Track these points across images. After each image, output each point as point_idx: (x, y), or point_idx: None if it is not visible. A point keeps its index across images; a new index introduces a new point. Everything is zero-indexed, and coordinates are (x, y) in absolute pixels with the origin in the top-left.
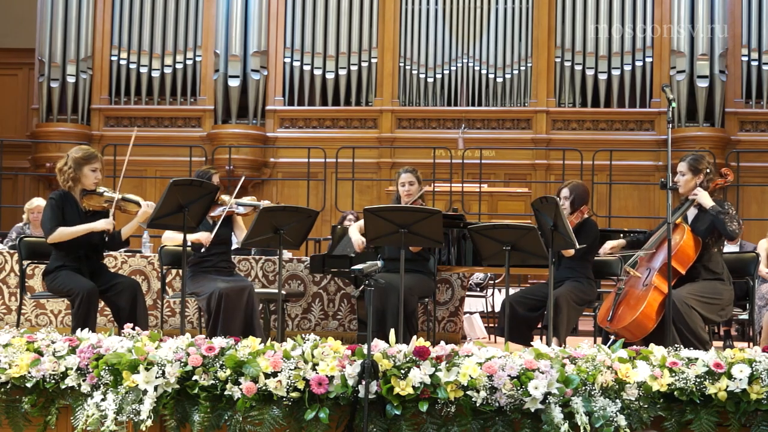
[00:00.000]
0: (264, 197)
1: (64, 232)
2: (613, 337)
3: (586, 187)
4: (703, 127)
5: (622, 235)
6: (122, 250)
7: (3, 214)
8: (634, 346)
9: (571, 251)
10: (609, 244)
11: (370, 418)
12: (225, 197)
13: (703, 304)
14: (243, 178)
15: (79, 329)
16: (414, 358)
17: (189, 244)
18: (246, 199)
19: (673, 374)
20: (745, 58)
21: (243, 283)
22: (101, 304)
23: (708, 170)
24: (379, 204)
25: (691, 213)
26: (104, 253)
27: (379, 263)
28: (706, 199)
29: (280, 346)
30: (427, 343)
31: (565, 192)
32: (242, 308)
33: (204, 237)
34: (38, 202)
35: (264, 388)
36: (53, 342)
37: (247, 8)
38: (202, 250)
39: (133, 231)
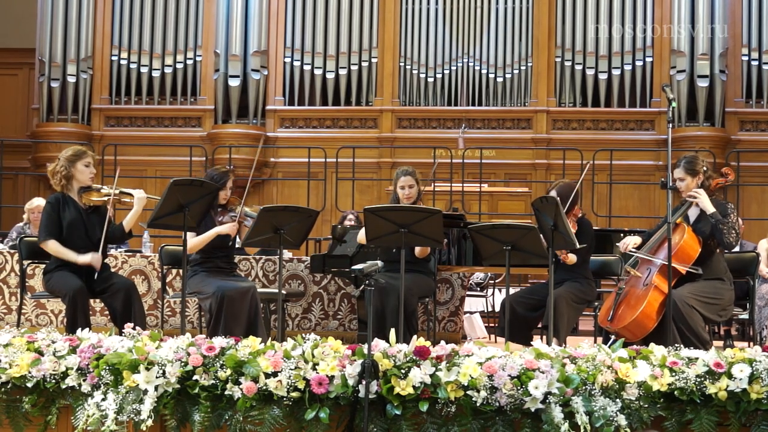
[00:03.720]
0: (264, 197)
1: (53, 248)
2: (613, 337)
3: (573, 186)
4: (703, 126)
5: (626, 234)
6: (122, 249)
7: (3, 214)
8: (635, 346)
9: (574, 258)
10: (630, 240)
11: (371, 417)
12: (236, 205)
13: (703, 304)
14: (250, 179)
15: (70, 329)
16: (414, 357)
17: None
18: (253, 212)
19: (674, 374)
20: (746, 58)
21: (245, 284)
22: (102, 304)
23: (705, 168)
24: (379, 204)
25: (693, 213)
26: (107, 253)
27: (379, 263)
28: (707, 204)
29: (280, 345)
30: (428, 343)
31: (553, 194)
32: (246, 310)
33: (230, 229)
34: (38, 202)
35: (264, 387)
36: (54, 342)
37: (248, 8)
38: (230, 243)
39: (135, 221)
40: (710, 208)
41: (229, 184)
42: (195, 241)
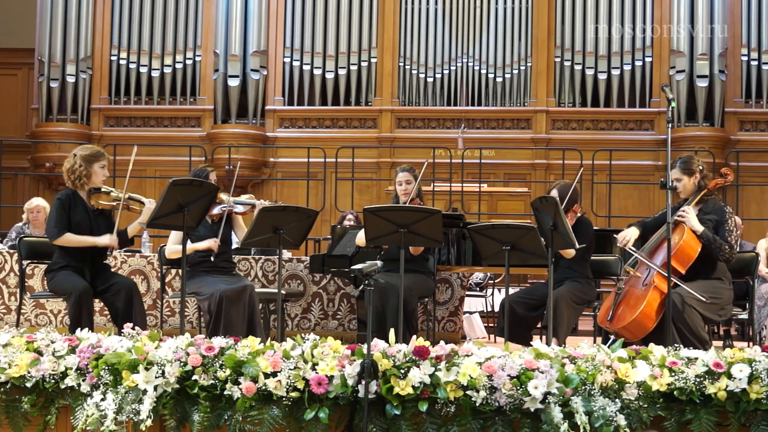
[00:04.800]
0: (264, 197)
1: (69, 239)
2: (612, 337)
3: (575, 186)
4: (702, 126)
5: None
6: (122, 249)
7: (3, 214)
8: (634, 346)
9: (572, 252)
10: (630, 235)
11: (370, 418)
12: (223, 196)
13: (702, 303)
14: (238, 166)
15: (73, 328)
16: (414, 357)
17: (197, 252)
18: (244, 198)
19: (673, 374)
20: (745, 58)
21: (243, 283)
22: (101, 304)
23: (701, 168)
24: (378, 204)
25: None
26: (108, 254)
27: (379, 263)
28: (695, 224)
29: (279, 345)
30: (427, 343)
31: (554, 194)
32: (243, 310)
33: (212, 243)
34: (38, 202)
35: (264, 387)
36: (53, 342)
37: (247, 8)
38: (212, 258)
39: (138, 228)
40: (699, 228)
41: (212, 178)
42: (175, 248)
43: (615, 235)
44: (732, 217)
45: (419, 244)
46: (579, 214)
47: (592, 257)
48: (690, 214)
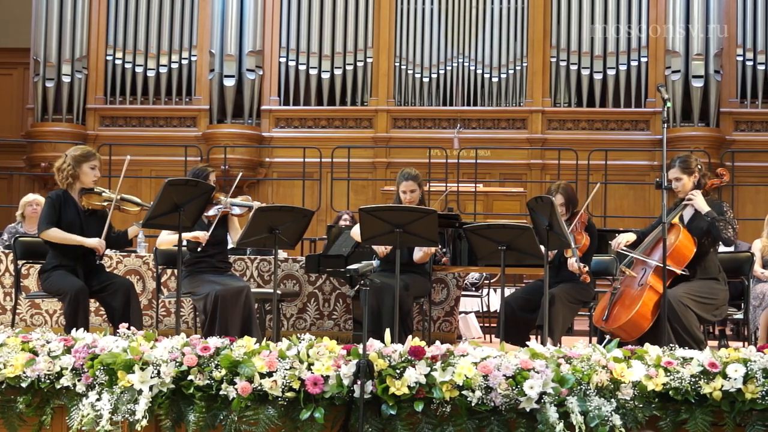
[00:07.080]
0: (259, 197)
1: (56, 234)
2: (608, 337)
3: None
4: (698, 126)
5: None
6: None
7: None
8: (629, 346)
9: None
10: (624, 238)
11: (366, 418)
12: (221, 197)
13: (698, 303)
14: (240, 175)
15: (70, 328)
16: (409, 357)
17: (185, 243)
18: (239, 199)
19: (668, 374)
20: (740, 58)
21: (239, 284)
22: (97, 304)
23: (699, 166)
24: (374, 204)
25: (687, 213)
26: (96, 257)
27: (374, 263)
28: (701, 204)
29: (275, 345)
30: (423, 343)
31: (559, 199)
32: (239, 310)
33: (201, 235)
34: (34, 197)
35: (259, 387)
36: (48, 342)
37: (243, 8)
38: (198, 249)
39: (138, 231)
40: (705, 208)
41: (212, 178)
42: (165, 239)
43: (610, 241)
44: (730, 210)
45: (415, 245)
46: (586, 220)
47: None
48: (697, 196)
